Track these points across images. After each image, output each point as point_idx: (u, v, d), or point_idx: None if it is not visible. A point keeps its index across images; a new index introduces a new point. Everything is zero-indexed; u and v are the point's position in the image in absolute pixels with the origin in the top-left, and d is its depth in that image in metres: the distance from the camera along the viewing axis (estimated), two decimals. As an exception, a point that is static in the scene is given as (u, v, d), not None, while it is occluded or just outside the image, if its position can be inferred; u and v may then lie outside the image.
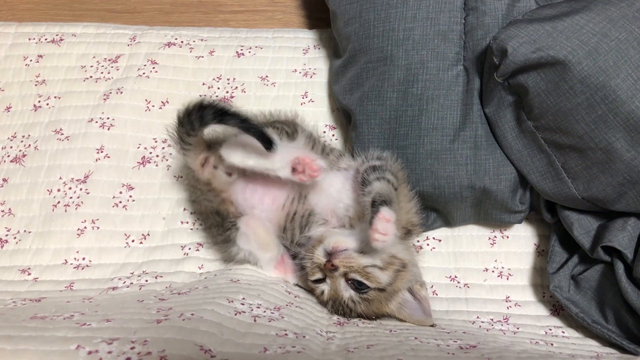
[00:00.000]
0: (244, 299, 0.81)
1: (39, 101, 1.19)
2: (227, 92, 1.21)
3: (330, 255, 0.88)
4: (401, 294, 0.91)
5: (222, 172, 0.97)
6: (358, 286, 0.88)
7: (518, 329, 0.93)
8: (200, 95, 1.20)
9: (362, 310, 0.89)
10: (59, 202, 1.08)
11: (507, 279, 1.05)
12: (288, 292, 0.92)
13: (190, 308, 0.73)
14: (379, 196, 0.86)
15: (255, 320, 0.75)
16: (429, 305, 0.92)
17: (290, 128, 1.00)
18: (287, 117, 1.08)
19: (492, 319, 0.96)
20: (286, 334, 0.73)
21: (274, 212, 0.98)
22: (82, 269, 1.02)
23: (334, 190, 0.98)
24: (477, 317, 0.97)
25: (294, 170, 0.89)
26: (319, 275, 0.90)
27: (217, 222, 0.99)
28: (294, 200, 0.98)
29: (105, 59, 1.24)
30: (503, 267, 1.06)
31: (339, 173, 1.00)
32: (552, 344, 0.87)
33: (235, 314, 0.75)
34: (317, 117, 1.19)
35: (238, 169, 0.95)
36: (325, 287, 0.90)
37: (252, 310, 0.78)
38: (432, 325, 0.91)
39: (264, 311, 0.79)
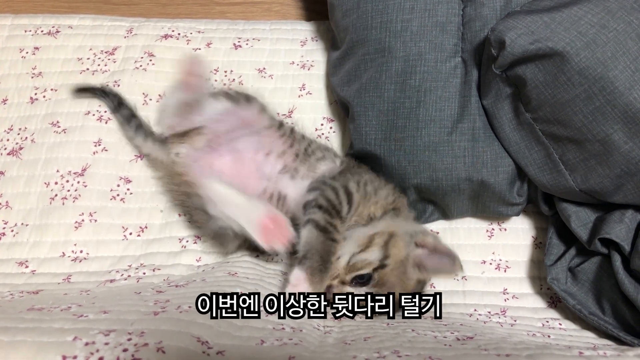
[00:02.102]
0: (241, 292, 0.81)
1: (36, 93, 1.18)
2: (225, 84, 1.20)
3: None
4: (410, 257, 0.87)
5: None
6: (361, 280, 0.85)
7: (515, 321, 0.94)
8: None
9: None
10: (56, 195, 1.08)
11: (505, 271, 1.05)
12: None
13: (188, 300, 0.73)
14: (300, 250, 0.82)
15: (252, 314, 0.75)
16: (446, 246, 0.88)
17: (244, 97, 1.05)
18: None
19: (489, 312, 0.97)
20: (283, 328, 0.73)
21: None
22: (80, 261, 1.02)
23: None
24: (475, 310, 0.97)
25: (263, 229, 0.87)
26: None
27: (203, 218, 0.98)
28: (272, 195, 0.98)
29: (102, 51, 1.23)
30: (501, 260, 1.06)
31: (308, 182, 0.99)
32: (549, 336, 0.87)
33: (232, 307, 0.75)
34: (315, 109, 1.19)
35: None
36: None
37: (249, 304, 0.78)
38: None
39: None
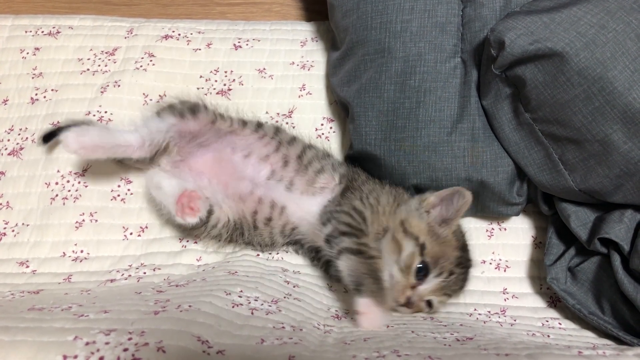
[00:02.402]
0: (241, 291, 0.81)
1: (36, 94, 1.19)
2: (225, 84, 1.20)
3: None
4: (431, 223, 0.91)
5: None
6: (422, 271, 0.88)
7: (515, 320, 0.94)
8: (198, 88, 1.20)
9: (445, 253, 0.90)
10: (57, 195, 1.08)
11: (505, 271, 1.05)
12: (287, 282, 0.93)
13: (188, 300, 0.73)
14: (349, 281, 0.82)
15: (252, 313, 0.75)
16: (445, 190, 0.92)
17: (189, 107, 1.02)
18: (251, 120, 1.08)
19: (489, 311, 0.97)
20: (283, 327, 0.73)
21: (226, 198, 1.00)
22: (81, 261, 1.02)
23: (312, 218, 0.98)
24: (475, 310, 0.97)
25: (179, 200, 0.93)
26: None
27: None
28: (261, 201, 0.99)
29: (102, 51, 1.23)
30: (500, 259, 1.06)
31: (315, 199, 1.00)
32: (548, 336, 0.87)
33: (233, 307, 0.75)
34: (315, 109, 1.19)
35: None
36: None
37: (249, 303, 0.78)
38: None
39: (262, 304, 0.79)
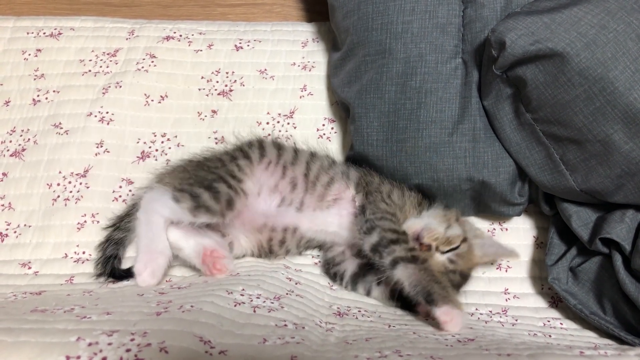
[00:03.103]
0: (243, 290, 0.81)
1: (38, 95, 1.19)
2: (226, 85, 1.21)
3: (417, 239, 0.92)
4: (474, 242, 0.97)
5: None
6: (452, 249, 0.92)
7: (517, 320, 0.94)
8: (199, 89, 1.20)
9: (461, 268, 0.93)
10: (58, 196, 1.08)
11: (506, 271, 1.05)
12: (289, 279, 0.93)
13: (190, 300, 0.73)
14: (415, 292, 0.82)
15: (254, 311, 0.75)
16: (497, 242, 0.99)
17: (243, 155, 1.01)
18: (251, 141, 1.06)
19: (490, 311, 0.97)
20: (285, 325, 0.73)
21: (242, 234, 1.01)
22: (82, 262, 1.02)
23: (332, 228, 1.00)
24: (476, 309, 0.97)
25: (203, 261, 0.93)
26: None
27: None
28: (274, 229, 1.00)
29: (103, 52, 1.24)
30: (502, 260, 1.06)
31: (329, 211, 1.01)
32: (550, 336, 0.87)
33: (235, 305, 0.75)
34: (316, 110, 1.20)
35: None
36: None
37: (251, 300, 0.78)
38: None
39: (264, 301, 0.80)
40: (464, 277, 0.95)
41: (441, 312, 0.80)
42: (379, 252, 0.87)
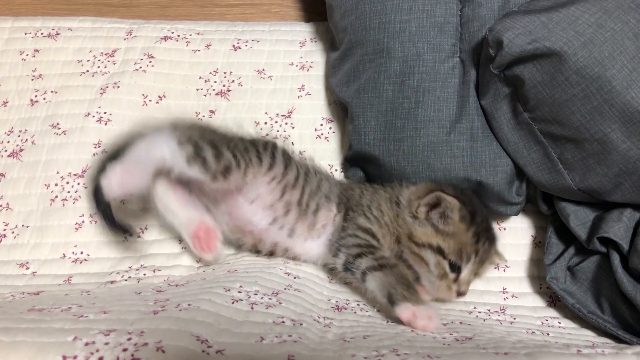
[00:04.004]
0: (241, 286, 0.81)
1: (36, 96, 1.19)
2: (224, 85, 1.21)
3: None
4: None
5: None
6: (453, 267, 0.90)
7: (515, 319, 0.94)
8: (197, 89, 1.20)
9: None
10: (56, 197, 1.08)
11: (504, 270, 1.05)
12: (287, 273, 0.92)
13: (187, 298, 0.73)
14: (384, 297, 0.83)
15: (252, 308, 0.75)
16: (427, 198, 0.95)
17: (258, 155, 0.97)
18: (267, 143, 1.02)
19: (488, 310, 0.97)
20: (283, 322, 0.73)
21: (227, 225, 0.99)
22: (81, 262, 1.02)
23: (319, 254, 0.99)
24: (474, 308, 0.97)
25: (195, 234, 0.93)
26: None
27: None
28: (262, 242, 0.99)
29: (101, 53, 1.24)
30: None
31: (319, 239, 0.99)
32: (548, 334, 0.87)
33: (232, 303, 0.75)
34: (314, 110, 1.20)
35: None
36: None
37: (249, 297, 0.78)
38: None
39: (262, 297, 0.79)
40: None
41: (399, 311, 0.80)
42: (350, 269, 0.89)
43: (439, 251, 0.90)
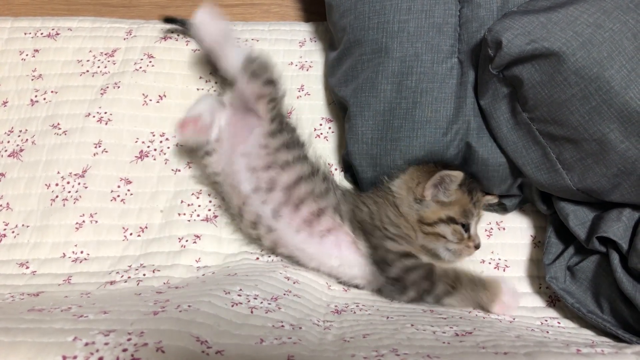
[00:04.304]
0: (240, 290, 0.82)
1: (36, 96, 1.19)
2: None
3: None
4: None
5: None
6: (465, 229, 0.98)
7: (514, 319, 0.94)
8: (198, 89, 1.20)
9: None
10: (57, 197, 1.08)
11: (504, 270, 1.05)
12: (287, 278, 0.93)
13: (187, 300, 0.73)
14: (473, 306, 0.93)
15: (252, 312, 0.75)
16: (433, 179, 0.99)
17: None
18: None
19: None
20: (282, 326, 0.73)
21: (225, 177, 1.02)
22: (81, 262, 1.02)
23: (333, 263, 0.98)
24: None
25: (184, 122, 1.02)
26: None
27: None
28: (251, 197, 0.98)
29: (101, 53, 1.24)
30: (500, 259, 1.07)
31: (316, 242, 0.98)
32: (547, 332, 0.87)
33: (232, 306, 0.75)
34: (314, 110, 1.20)
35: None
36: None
37: (249, 301, 0.79)
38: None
39: (261, 302, 0.80)
40: None
41: (495, 311, 0.92)
42: (424, 300, 0.93)
43: (451, 220, 0.96)
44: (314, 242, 0.98)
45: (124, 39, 1.25)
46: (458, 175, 0.93)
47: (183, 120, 1.02)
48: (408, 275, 0.91)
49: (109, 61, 1.23)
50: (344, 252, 0.98)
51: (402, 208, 0.98)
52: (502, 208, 1.09)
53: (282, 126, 1.02)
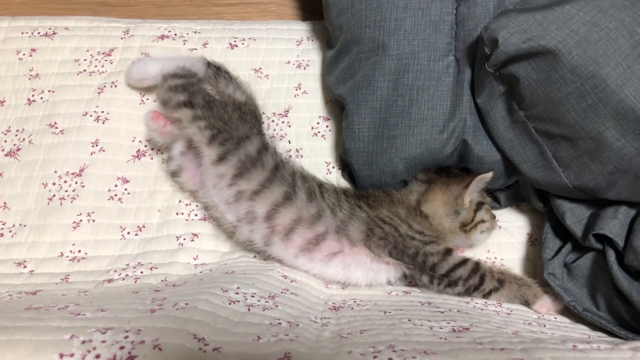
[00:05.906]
0: (238, 288, 0.82)
1: (33, 95, 1.19)
2: (221, 84, 1.21)
3: None
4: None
5: None
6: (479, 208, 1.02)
7: (511, 311, 0.94)
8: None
9: None
10: (54, 196, 1.08)
11: (501, 267, 1.06)
12: (284, 276, 0.93)
13: (185, 298, 0.74)
14: (518, 302, 0.96)
15: (249, 310, 0.75)
16: (472, 186, 1.03)
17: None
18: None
19: (485, 302, 0.97)
20: (280, 323, 0.73)
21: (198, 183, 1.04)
22: (78, 261, 1.02)
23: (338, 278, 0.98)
24: (472, 298, 0.97)
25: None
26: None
27: None
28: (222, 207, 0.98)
29: (98, 52, 1.24)
30: (496, 257, 1.07)
31: (327, 263, 0.96)
32: (544, 325, 0.87)
33: (230, 304, 0.75)
34: (311, 108, 1.20)
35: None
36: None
37: (246, 299, 0.79)
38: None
39: (258, 300, 0.80)
40: None
41: (537, 309, 0.94)
42: (471, 295, 0.96)
43: (480, 204, 1.01)
44: (317, 265, 0.96)
45: (121, 38, 1.25)
46: (490, 175, 0.97)
47: (156, 117, 1.07)
48: (455, 271, 0.94)
49: (106, 60, 1.23)
50: (353, 272, 0.96)
51: (443, 225, 0.99)
52: (496, 202, 1.10)
53: (225, 148, 0.95)
